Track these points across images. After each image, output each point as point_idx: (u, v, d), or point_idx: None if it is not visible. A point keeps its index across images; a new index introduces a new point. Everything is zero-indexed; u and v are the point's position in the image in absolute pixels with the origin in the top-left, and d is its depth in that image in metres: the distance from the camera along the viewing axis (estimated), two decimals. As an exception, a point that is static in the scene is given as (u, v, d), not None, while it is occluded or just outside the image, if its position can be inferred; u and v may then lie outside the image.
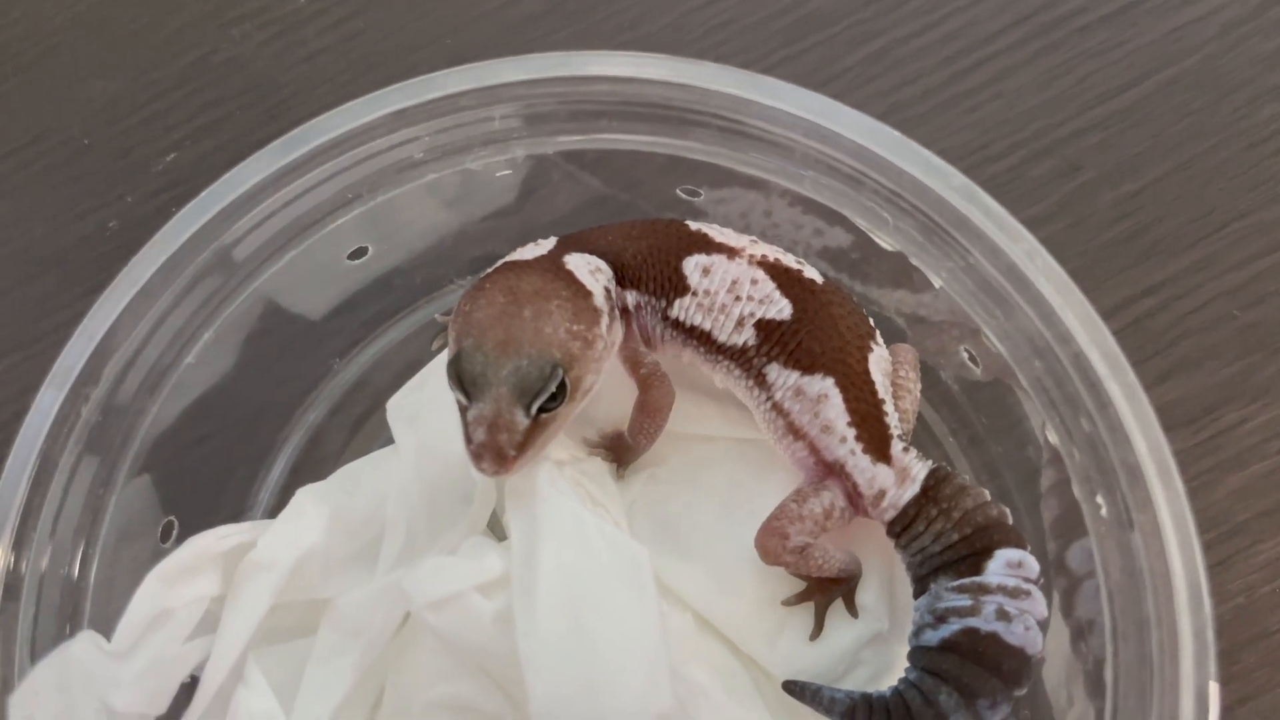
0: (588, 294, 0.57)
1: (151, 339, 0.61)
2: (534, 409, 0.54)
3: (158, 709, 0.60)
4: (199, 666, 0.61)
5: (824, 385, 0.59)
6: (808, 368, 0.59)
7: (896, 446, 0.59)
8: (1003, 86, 0.74)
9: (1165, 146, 0.72)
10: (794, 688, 0.57)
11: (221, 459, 0.69)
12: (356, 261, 0.67)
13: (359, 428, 0.72)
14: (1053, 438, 0.57)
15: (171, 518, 0.66)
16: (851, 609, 0.62)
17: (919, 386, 0.63)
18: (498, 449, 0.53)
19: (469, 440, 0.54)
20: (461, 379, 0.54)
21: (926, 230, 0.59)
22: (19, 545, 0.57)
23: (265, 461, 0.70)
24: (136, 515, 0.63)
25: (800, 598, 0.62)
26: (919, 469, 0.58)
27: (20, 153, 0.80)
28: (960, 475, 0.58)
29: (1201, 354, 0.68)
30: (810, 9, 0.77)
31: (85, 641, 0.58)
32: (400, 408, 0.66)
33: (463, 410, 0.55)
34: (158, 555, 0.62)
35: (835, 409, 0.58)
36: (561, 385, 0.54)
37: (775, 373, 0.60)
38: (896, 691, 0.55)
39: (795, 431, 0.60)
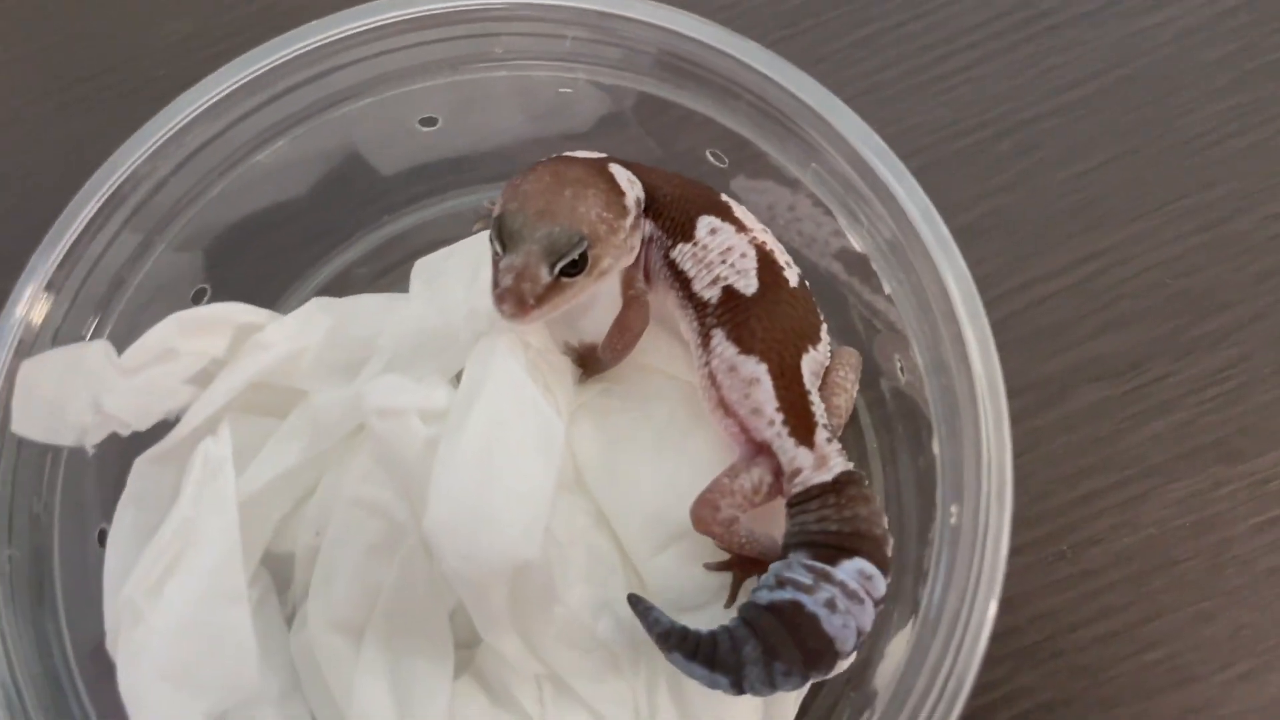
0: (621, 194, 0.66)
1: (234, 128, 0.69)
2: (557, 269, 0.62)
3: (138, 425, 0.68)
4: (183, 410, 0.70)
5: (757, 370, 0.65)
6: (746, 347, 0.65)
7: (821, 435, 0.64)
8: (975, 73, 0.83)
9: (1115, 134, 0.80)
10: (634, 600, 0.63)
11: (259, 257, 0.78)
12: (426, 129, 0.75)
13: (384, 275, 0.81)
14: (936, 449, 0.63)
15: (206, 285, 0.74)
16: None
17: (855, 388, 0.69)
18: (520, 295, 0.61)
19: (496, 285, 0.62)
20: (501, 233, 0.63)
21: (890, 241, 0.65)
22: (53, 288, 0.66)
23: (296, 275, 0.79)
24: (175, 278, 0.72)
25: (721, 566, 0.68)
26: (836, 462, 0.64)
27: (99, 78, 0.90)
28: (870, 490, 0.63)
29: (1134, 316, 0.76)
30: (809, -6, 0.87)
31: (100, 347, 0.66)
32: (424, 268, 0.74)
33: (495, 262, 0.63)
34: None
35: (765, 394, 0.65)
36: (584, 256, 0.63)
37: (718, 339, 0.67)
38: (712, 633, 0.61)
39: (726, 408, 0.67)
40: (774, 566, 0.62)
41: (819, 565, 0.60)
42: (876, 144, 0.63)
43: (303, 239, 0.81)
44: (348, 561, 0.68)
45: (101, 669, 0.64)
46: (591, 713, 0.67)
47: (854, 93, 0.82)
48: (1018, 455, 0.72)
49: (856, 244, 0.67)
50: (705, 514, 0.65)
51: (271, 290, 0.79)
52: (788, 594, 0.60)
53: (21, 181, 0.88)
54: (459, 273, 0.74)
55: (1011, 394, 0.73)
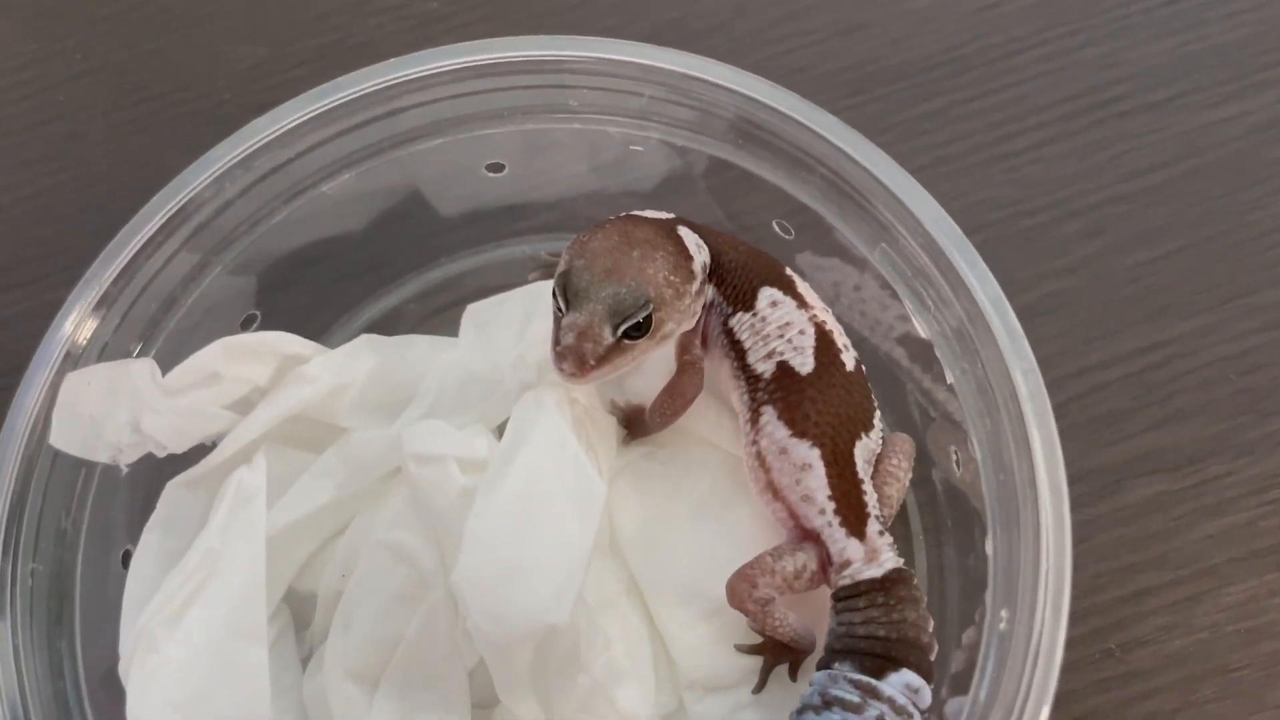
0: (689, 258, 0.65)
1: (302, 158, 0.69)
2: (620, 330, 0.61)
3: (175, 447, 0.67)
4: (220, 436, 0.69)
5: (809, 455, 0.63)
6: (799, 430, 0.64)
7: (873, 527, 0.63)
8: (1043, 153, 0.82)
9: (1183, 224, 0.79)
10: None
11: (312, 287, 0.77)
12: (492, 175, 0.75)
13: (434, 316, 0.80)
14: (989, 549, 0.60)
15: (256, 312, 0.74)
16: (793, 676, 0.65)
17: (909, 477, 0.67)
18: (581, 354, 0.60)
19: (557, 343, 0.61)
20: (565, 289, 0.62)
21: (956, 329, 0.63)
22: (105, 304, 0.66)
23: (346, 308, 0.78)
24: (226, 301, 0.72)
25: (752, 649, 0.66)
26: (888, 557, 0.62)
27: (168, 96, 0.91)
28: (919, 590, 0.61)
29: (1195, 410, 0.74)
30: (878, 67, 0.86)
31: (144, 366, 0.66)
32: (476, 313, 0.74)
33: (558, 319, 0.62)
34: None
35: (818, 480, 0.63)
36: (648, 319, 0.62)
37: (768, 418, 0.65)
38: None
39: (775, 491, 0.65)
40: (817, 679, 0.60)
41: (865, 680, 0.58)
42: (950, 228, 0.62)
43: (356, 272, 0.80)
44: (370, 607, 0.67)
45: (112, 695, 0.62)
46: None
47: (918, 165, 0.80)
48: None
49: (921, 330, 0.65)
50: (742, 589, 0.63)
51: (321, 321, 0.78)
52: (836, 716, 0.58)
53: (82, 192, 0.88)
54: (510, 321, 0.73)
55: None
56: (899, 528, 0.71)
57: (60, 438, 0.63)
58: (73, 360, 0.64)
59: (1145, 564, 0.70)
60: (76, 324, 0.64)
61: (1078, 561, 0.69)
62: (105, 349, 0.66)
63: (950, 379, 0.63)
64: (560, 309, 0.63)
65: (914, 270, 0.63)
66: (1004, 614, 0.56)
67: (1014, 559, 0.56)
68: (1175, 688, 0.67)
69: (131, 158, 0.89)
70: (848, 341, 0.68)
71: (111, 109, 0.91)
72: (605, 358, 0.61)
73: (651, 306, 0.62)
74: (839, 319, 0.69)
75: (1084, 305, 0.77)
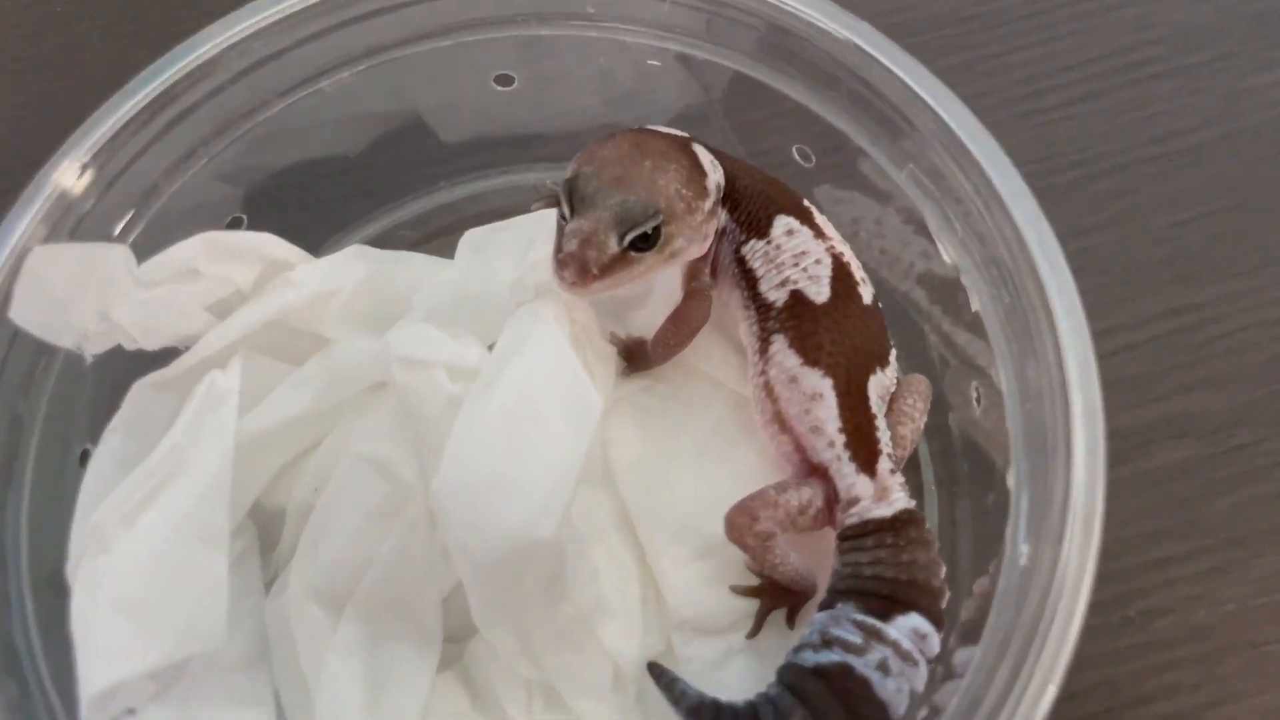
0: (704, 174, 0.61)
1: (304, 46, 0.65)
2: (627, 240, 0.57)
3: (145, 343, 0.63)
4: (195, 338, 0.64)
5: (821, 385, 0.60)
6: (810, 359, 0.60)
7: (884, 464, 0.59)
8: (1074, 110, 0.79)
9: (1219, 187, 0.75)
10: (655, 670, 0.57)
11: (304, 204, 0.74)
12: (501, 89, 0.71)
13: (430, 241, 0.75)
14: (1010, 481, 0.56)
15: (243, 215, 0.69)
16: (791, 622, 0.61)
17: (924, 419, 0.64)
18: (583, 262, 0.56)
19: (559, 250, 0.57)
20: (571, 195, 0.58)
21: (988, 255, 0.59)
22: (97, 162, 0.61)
23: (338, 227, 0.74)
24: (213, 202, 0.67)
25: (749, 591, 0.62)
26: (899, 497, 0.58)
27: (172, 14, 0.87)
28: (931, 534, 0.57)
29: (1226, 376, 0.70)
30: (908, 17, 0.83)
31: (120, 252, 0.61)
32: (474, 239, 0.70)
33: (561, 226, 0.58)
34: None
35: (828, 411, 0.59)
36: (657, 232, 0.58)
37: (779, 346, 0.61)
38: (750, 703, 0.54)
39: (782, 423, 0.61)
40: (818, 619, 0.56)
41: (870, 621, 0.54)
42: (987, 141, 0.58)
43: (352, 193, 0.77)
44: (343, 524, 0.62)
45: (57, 594, 0.58)
46: None
47: None
48: None
49: (947, 256, 0.61)
50: (741, 522, 0.59)
51: (310, 239, 0.73)
52: (835, 655, 0.54)
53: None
54: (510, 247, 0.70)
55: None
56: (911, 480, 0.67)
57: (21, 313, 0.58)
58: (41, 236, 0.60)
59: (1170, 531, 0.66)
60: (52, 194, 0.60)
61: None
62: (79, 226, 0.61)
63: (976, 306, 0.59)
64: (565, 216, 0.59)
65: (943, 191, 0.59)
66: (1025, 549, 0.51)
67: (1040, 489, 0.52)
68: (1198, 661, 0.63)
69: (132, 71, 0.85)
70: (865, 276, 0.65)
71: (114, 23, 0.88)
72: (609, 268, 0.58)
73: (661, 218, 0.58)
74: (857, 255, 0.66)
75: (1112, 265, 0.74)
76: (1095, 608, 0.64)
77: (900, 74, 0.58)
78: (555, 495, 0.57)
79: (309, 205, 0.74)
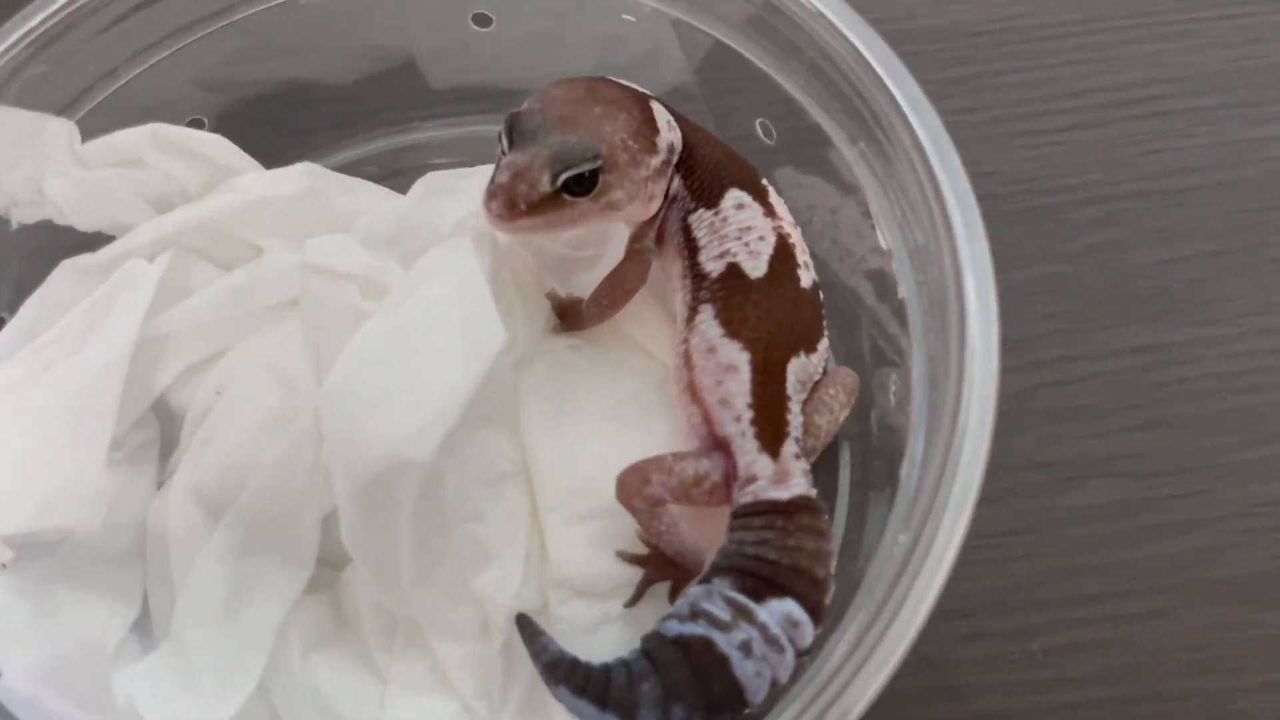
0: (656, 130, 0.60)
1: None
2: (560, 179, 0.55)
3: (77, 222, 0.63)
4: (129, 228, 0.63)
5: (738, 358, 0.58)
6: (732, 330, 0.58)
7: (789, 448, 0.57)
8: (1068, 136, 0.76)
9: (1205, 232, 0.72)
10: (523, 621, 0.55)
11: (270, 125, 0.73)
12: (479, 29, 0.70)
13: (392, 179, 0.73)
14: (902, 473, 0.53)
15: (204, 119, 0.69)
16: (672, 597, 0.59)
17: (845, 412, 0.61)
18: (512, 195, 0.55)
19: (491, 181, 0.56)
20: (511, 129, 0.57)
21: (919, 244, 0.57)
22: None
23: (301, 153, 0.71)
24: (174, 99, 0.67)
25: (635, 559, 0.60)
26: (798, 482, 0.55)
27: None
28: (828, 525, 0.55)
29: (1180, 421, 0.66)
30: (918, 24, 0.82)
31: (63, 125, 0.61)
32: (433, 181, 0.69)
33: (499, 159, 0.57)
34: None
35: (740, 385, 0.57)
36: (594, 176, 0.56)
37: (704, 316, 0.60)
38: (606, 665, 0.52)
39: (694, 393, 0.59)
40: (692, 593, 0.53)
41: (742, 600, 0.52)
42: (932, 120, 0.56)
43: (322, 121, 0.76)
44: (236, 427, 0.61)
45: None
46: (438, 675, 0.58)
47: None
48: (1013, 533, 0.64)
49: (884, 240, 0.59)
50: (632, 483, 0.57)
51: (268, 160, 0.72)
52: (699, 628, 0.51)
53: None
54: (468, 194, 0.68)
55: (1022, 468, 0.65)
56: (828, 484, 0.64)
57: (-51, 166, 0.59)
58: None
59: (1095, 569, 0.62)
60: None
61: (1020, 550, 0.63)
62: (27, 92, 0.61)
63: (902, 294, 0.56)
64: (504, 150, 0.58)
65: (888, 175, 0.57)
66: (901, 539, 0.48)
67: (926, 477, 0.49)
68: (1101, 705, 0.59)
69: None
70: (810, 261, 0.63)
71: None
72: (539, 206, 0.56)
73: (600, 163, 0.57)
74: (808, 243, 0.64)
75: (1081, 293, 0.70)
76: (998, 635, 0.61)
77: (858, 45, 0.56)
78: (437, 420, 0.55)
79: (275, 124, 0.73)
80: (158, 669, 0.57)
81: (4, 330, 0.62)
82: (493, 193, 0.56)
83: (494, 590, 0.58)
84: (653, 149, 0.59)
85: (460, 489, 0.58)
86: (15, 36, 0.60)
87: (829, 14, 0.57)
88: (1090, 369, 0.68)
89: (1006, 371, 0.66)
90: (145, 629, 0.61)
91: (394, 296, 0.59)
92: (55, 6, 0.61)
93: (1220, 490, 0.64)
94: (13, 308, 0.63)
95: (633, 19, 0.66)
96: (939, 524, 0.45)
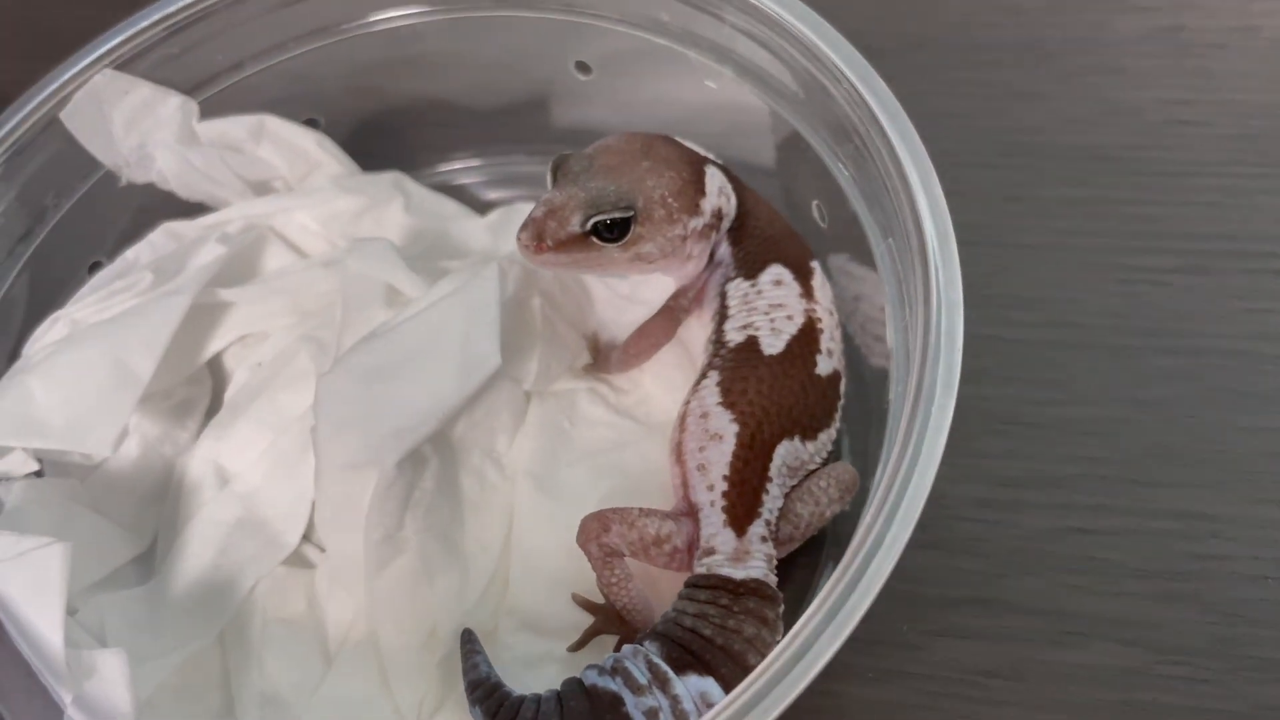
0: (702, 194, 0.61)
1: None
2: (590, 222, 0.58)
3: (181, 191, 0.70)
4: (224, 203, 0.72)
5: (727, 428, 0.57)
6: (728, 401, 0.58)
7: (757, 529, 0.56)
8: (1172, 279, 0.71)
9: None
10: (467, 636, 0.56)
11: (388, 126, 0.79)
12: (581, 76, 0.74)
13: (473, 203, 0.77)
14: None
15: (319, 117, 0.76)
16: (617, 649, 0.58)
17: (835, 507, 0.59)
18: (541, 230, 0.57)
19: (530, 215, 0.58)
20: (557, 169, 0.60)
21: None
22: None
23: (404, 153, 0.78)
24: (293, 98, 0.73)
25: (587, 605, 0.60)
26: (756, 566, 0.54)
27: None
28: (776, 616, 0.53)
29: (1209, 599, 0.60)
30: (1036, 139, 0.79)
31: (183, 103, 0.68)
32: (509, 212, 0.73)
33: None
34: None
35: (721, 456, 0.57)
36: (625, 225, 0.58)
37: (708, 382, 0.60)
38: (521, 696, 0.52)
39: (679, 454, 0.59)
40: (625, 649, 0.53)
41: (663, 668, 0.51)
42: (942, 214, 0.53)
43: (428, 139, 0.80)
44: (259, 402, 0.66)
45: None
46: (379, 675, 0.59)
47: (1035, 242, 0.74)
48: (998, 676, 0.59)
49: (890, 340, 0.57)
50: (592, 528, 0.57)
51: (369, 163, 0.78)
52: (614, 685, 0.51)
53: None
54: (495, 230, 0.73)
55: (1026, 611, 0.61)
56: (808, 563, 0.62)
57: (72, 120, 0.66)
58: (121, 60, 0.67)
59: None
60: (138, 32, 0.67)
61: (1001, 697, 0.59)
62: (151, 68, 0.68)
63: (890, 397, 0.55)
64: (548, 187, 0.60)
65: (905, 271, 0.55)
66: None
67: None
68: None
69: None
70: (836, 350, 0.62)
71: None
72: (566, 245, 0.58)
73: (633, 214, 0.58)
74: (848, 333, 0.63)
75: (1137, 443, 0.65)
76: None
77: (893, 138, 0.55)
78: (412, 428, 0.58)
79: (385, 131, 0.78)
80: (134, 601, 0.61)
81: (99, 274, 0.69)
82: (525, 224, 0.58)
83: (449, 600, 0.60)
84: (694, 210, 0.60)
85: (441, 497, 0.61)
86: (154, 18, 0.67)
87: (875, 107, 0.56)
88: (1125, 524, 0.63)
89: (1036, 507, 0.64)
90: (150, 565, 0.65)
91: (412, 306, 0.62)
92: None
93: (1235, 684, 0.57)
94: (112, 256, 0.70)
95: (714, 86, 0.67)
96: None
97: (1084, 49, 0.82)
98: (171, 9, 0.67)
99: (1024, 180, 0.77)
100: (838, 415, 0.61)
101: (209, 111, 0.70)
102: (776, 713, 0.42)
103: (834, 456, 0.62)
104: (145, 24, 0.67)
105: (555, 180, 0.60)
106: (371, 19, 0.72)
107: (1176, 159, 0.76)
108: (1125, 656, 0.59)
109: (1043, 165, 0.77)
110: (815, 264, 0.64)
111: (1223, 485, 0.63)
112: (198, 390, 0.69)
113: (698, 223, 0.61)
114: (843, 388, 0.62)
